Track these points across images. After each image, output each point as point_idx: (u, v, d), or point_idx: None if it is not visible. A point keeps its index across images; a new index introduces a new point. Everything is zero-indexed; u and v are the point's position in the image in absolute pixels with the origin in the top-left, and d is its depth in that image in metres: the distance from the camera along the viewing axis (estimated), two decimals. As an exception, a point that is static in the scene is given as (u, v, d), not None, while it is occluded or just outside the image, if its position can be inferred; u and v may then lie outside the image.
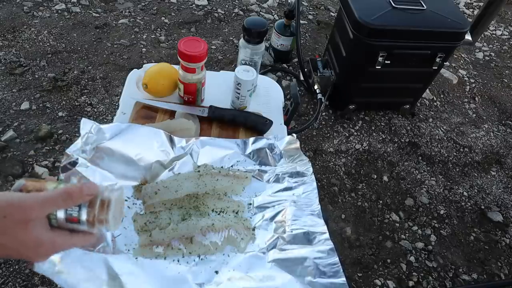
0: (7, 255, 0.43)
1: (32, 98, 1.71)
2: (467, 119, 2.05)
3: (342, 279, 0.61)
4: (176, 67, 0.87)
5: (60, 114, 1.67)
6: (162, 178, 0.70)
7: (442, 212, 1.63)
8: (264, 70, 2.02)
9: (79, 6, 2.18)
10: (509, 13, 2.86)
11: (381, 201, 1.63)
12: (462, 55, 2.42)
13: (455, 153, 1.88)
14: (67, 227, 0.46)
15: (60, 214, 0.45)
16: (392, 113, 1.98)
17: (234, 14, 2.34)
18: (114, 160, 0.70)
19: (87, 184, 0.46)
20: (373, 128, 1.90)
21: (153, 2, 2.31)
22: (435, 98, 2.12)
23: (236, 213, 0.69)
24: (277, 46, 2.04)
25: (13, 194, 0.44)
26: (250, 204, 0.72)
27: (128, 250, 0.61)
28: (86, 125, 0.72)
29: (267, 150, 0.79)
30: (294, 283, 0.60)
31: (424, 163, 1.81)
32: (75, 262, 0.56)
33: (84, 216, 0.45)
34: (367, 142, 1.83)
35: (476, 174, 1.81)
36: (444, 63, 1.77)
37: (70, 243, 0.46)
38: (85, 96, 1.76)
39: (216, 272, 0.61)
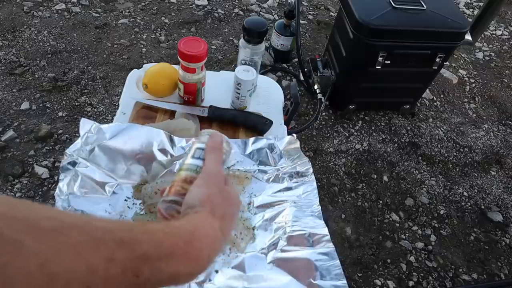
0: (234, 224, 0.48)
1: (32, 98, 1.71)
2: (467, 119, 2.05)
3: (343, 282, 0.61)
4: (176, 67, 0.87)
5: (60, 114, 1.67)
6: (162, 178, 0.70)
7: (442, 212, 1.63)
8: (264, 70, 2.02)
9: (79, 6, 2.18)
10: (509, 13, 2.86)
11: (381, 201, 1.63)
12: (462, 55, 2.42)
13: (455, 153, 1.88)
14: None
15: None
16: (392, 113, 1.98)
17: (234, 14, 2.34)
18: (114, 160, 0.70)
19: (211, 135, 0.52)
20: (373, 128, 1.90)
21: (153, 2, 2.31)
22: (435, 98, 2.12)
23: (236, 213, 0.69)
24: (277, 46, 2.04)
25: (198, 179, 0.47)
26: (250, 204, 0.72)
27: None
28: (86, 125, 0.72)
29: (267, 150, 0.79)
30: (294, 284, 0.60)
31: (424, 163, 1.81)
32: None
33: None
34: (367, 142, 1.83)
35: (476, 174, 1.81)
36: (444, 63, 1.77)
37: (233, 187, 0.51)
38: (85, 96, 1.76)
39: (216, 271, 0.61)
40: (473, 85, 2.25)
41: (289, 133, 0.86)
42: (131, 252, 0.31)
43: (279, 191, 0.74)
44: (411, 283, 1.41)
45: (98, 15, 2.15)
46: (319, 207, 0.71)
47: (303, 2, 2.53)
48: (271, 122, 0.86)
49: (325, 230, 0.68)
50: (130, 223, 0.46)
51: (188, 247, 0.36)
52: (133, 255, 0.31)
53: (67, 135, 1.61)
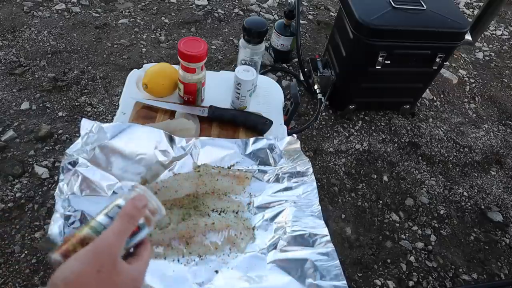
0: None
1: (32, 98, 1.71)
2: (467, 119, 2.05)
3: (343, 282, 0.61)
4: (176, 67, 0.87)
5: (60, 114, 1.67)
6: (162, 178, 0.70)
7: (442, 212, 1.63)
8: (264, 70, 2.02)
9: (79, 6, 2.18)
10: (509, 13, 2.86)
11: (381, 201, 1.63)
12: (462, 55, 2.42)
13: (455, 153, 1.88)
14: (130, 246, 0.44)
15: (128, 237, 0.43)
16: (392, 113, 1.98)
17: (234, 14, 2.34)
18: (114, 160, 0.70)
19: (136, 197, 0.44)
20: (373, 128, 1.90)
21: (153, 2, 2.31)
22: (435, 98, 2.12)
23: (236, 213, 0.69)
24: (277, 46, 2.04)
25: (84, 249, 0.39)
26: (250, 204, 0.72)
27: (128, 250, 0.61)
28: (86, 125, 0.72)
29: (267, 150, 0.79)
30: (294, 284, 0.60)
31: (424, 163, 1.81)
32: None
33: (141, 220, 0.44)
34: (367, 142, 1.83)
35: (476, 174, 1.81)
36: (444, 63, 1.77)
37: (145, 262, 0.44)
38: (85, 96, 1.76)
39: (216, 271, 0.61)
40: (473, 85, 2.25)
41: (289, 133, 0.86)
42: None
43: (279, 191, 0.74)
44: (411, 283, 1.41)
45: (98, 15, 2.15)
46: (319, 207, 0.71)
47: (303, 2, 2.53)
48: (271, 122, 0.86)
49: (325, 230, 0.68)
50: None
51: None
52: None
53: (67, 135, 1.61)
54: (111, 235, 0.40)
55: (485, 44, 2.55)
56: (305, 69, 1.89)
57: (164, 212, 0.47)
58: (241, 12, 2.36)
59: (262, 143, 0.79)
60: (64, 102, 1.72)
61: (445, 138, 1.93)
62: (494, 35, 2.64)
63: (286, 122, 0.94)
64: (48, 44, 1.94)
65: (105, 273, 0.37)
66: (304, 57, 1.98)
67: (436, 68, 1.73)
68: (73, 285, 0.36)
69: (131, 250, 0.45)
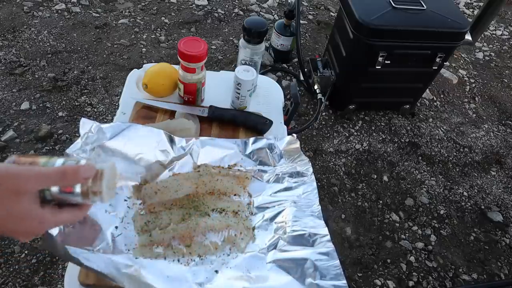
0: None
1: (32, 98, 1.71)
2: (467, 119, 2.05)
3: (343, 282, 0.61)
4: (176, 67, 0.87)
5: (60, 114, 1.67)
6: (162, 178, 0.70)
7: (442, 212, 1.63)
8: (264, 70, 2.02)
9: (79, 6, 2.18)
10: (509, 13, 2.86)
11: (381, 201, 1.63)
12: (462, 55, 2.42)
13: (455, 153, 1.88)
14: (60, 199, 0.46)
15: (54, 186, 0.45)
16: (392, 113, 1.98)
17: (234, 14, 2.34)
18: (114, 160, 0.70)
19: (85, 166, 0.45)
20: (373, 128, 1.90)
21: (153, 2, 2.31)
22: (435, 98, 2.12)
23: (236, 213, 0.69)
24: (277, 46, 2.04)
25: (8, 165, 0.43)
26: (250, 204, 0.72)
27: (128, 250, 0.61)
28: (86, 125, 0.72)
29: (267, 150, 0.78)
30: (294, 284, 0.60)
31: (424, 163, 1.81)
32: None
33: (78, 188, 0.45)
34: (367, 142, 1.83)
35: (476, 174, 1.81)
36: (444, 63, 1.77)
37: (59, 219, 0.46)
38: (85, 96, 1.76)
39: (216, 271, 0.61)
40: (473, 85, 2.25)
41: (289, 133, 0.86)
42: None
43: (279, 191, 0.74)
44: (411, 283, 1.41)
45: (98, 15, 2.15)
46: (319, 207, 0.71)
47: (303, 2, 2.53)
48: (271, 122, 0.86)
49: (325, 230, 0.68)
50: None
51: None
52: None
53: (67, 135, 1.61)
54: (34, 172, 0.42)
55: (485, 44, 2.55)
56: (305, 69, 1.90)
57: (106, 201, 0.47)
58: (241, 12, 2.36)
59: (262, 143, 0.79)
60: (64, 102, 1.72)
61: (445, 138, 1.93)
62: (494, 35, 2.64)
63: (286, 122, 0.94)
64: (48, 44, 1.94)
65: (2, 191, 0.40)
66: (304, 57, 1.98)
67: (436, 68, 1.73)
68: None
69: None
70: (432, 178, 1.75)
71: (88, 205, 0.48)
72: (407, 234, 1.54)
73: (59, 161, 0.46)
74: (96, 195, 0.46)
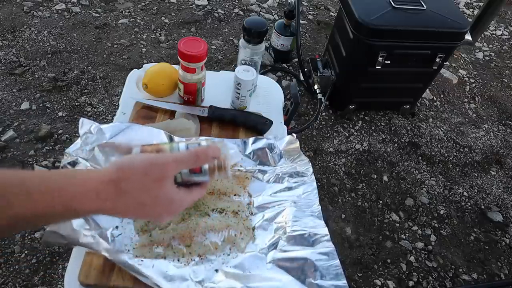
0: (143, 214, 0.46)
1: (32, 98, 1.71)
2: (467, 119, 2.05)
3: (343, 282, 0.61)
4: (176, 67, 0.87)
5: (60, 114, 1.67)
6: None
7: (442, 212, 1.63)
8: (264, 70, 2.02)
9: (79, 6, 2.18)
10: (509, 13, 2.86)
11: (381, 201, 1.63)
12: (462, 55, 2.42)
13: (455, 153, 1.88)
14: (188, 180, 0.49)
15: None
16: (392, 113, 1.98)
17: (234, 14, 2.34)
18: (114, 160, 0.70)
19: (211, 147, 0.49)
20: (373, 128, 1.90)
21: (153, 2, 2.31)
22: (435, 98, 2.12)
23: (236, 213, 0.69)
24: (277, 46, 2.04)
25: (150, 154, 0.47)
26: (250, 204, 0.72)
27: (128, 250, 0.61)
28: (85, 125, 0.72)
29: (267, 150, 0.79)
30: (294, 284, 0.60)
31: (424, 163, 1.81)
32: None
33: (205, 167, 0.49)
34: (367, 142, 1.83)
35: (476, 174, 1.81)
36: (444, 63, 1.77)
37: (191, 198, 0.49)
38: (85, 96, 1.76)
39: (216, 270, 0.61)
40: (473, 85, 2.25)
41: (289, 133, 0.86)
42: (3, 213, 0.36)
43: (279, 191, 0.74)
44: (411, 283, 1.41)
45: (98, 15, 2.15)
46: (319, 207, 0.71)
47: (303, 2, 2.53)
48: (271, 122, 0.86)
49: (325, 230, 0.68)
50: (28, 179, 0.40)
51: (63, 208, 0.40)
52: (5, 215, 0.36)
53: (67, 135, 1.61)
54: (171, 158, 0.46)
55: (485, 44, 2.55)
56: (305, 69, 1.90)
57: (230, 175, 0.54)
58: (241, 12, 2.36)
59: (262, 142, 0.79)
60: (64, 102, 1.72)
61: (445, 138, 1.93)
62: (494, 35, 2.64)
63: (286, 122, 0.94)
64: (48, 44, 1.94)
65: (149, 179, 0.43)
66: (304, 57, 1.98)
67: (436, 68, 1.73)
68: (122, 172, 0.43)
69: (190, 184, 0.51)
70: (432, 178, 1.75)
71: (207, 183, 0.52)
72: (407, 234, 1.54)
73: (182, 145, 0.50)
74: (221, 171, 0.50)
